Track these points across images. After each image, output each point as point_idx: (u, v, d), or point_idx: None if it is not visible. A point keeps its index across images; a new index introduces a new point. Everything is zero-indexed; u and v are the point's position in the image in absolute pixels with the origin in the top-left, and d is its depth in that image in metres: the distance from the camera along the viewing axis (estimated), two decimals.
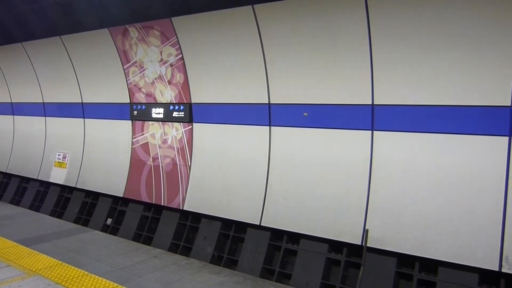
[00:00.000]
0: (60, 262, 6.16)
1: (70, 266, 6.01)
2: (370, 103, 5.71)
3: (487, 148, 4.95)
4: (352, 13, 5.50)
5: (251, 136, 6.96)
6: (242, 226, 7.12)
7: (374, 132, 5.75)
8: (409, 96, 5.42)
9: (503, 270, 4.72)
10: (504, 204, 4.81)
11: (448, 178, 5.18)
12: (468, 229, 4.99)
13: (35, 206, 10.75)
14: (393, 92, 5.53)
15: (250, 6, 6.26)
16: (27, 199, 11.16)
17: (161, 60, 7.87)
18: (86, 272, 5.77)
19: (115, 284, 5.41)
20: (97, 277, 5.63)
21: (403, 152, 5.54)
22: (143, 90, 8.42)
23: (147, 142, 8.53)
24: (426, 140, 5.35)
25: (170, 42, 7.56)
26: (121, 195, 8.84)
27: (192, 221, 7.82)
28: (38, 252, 6.55)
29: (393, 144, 5.61)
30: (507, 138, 4.82)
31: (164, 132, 8.22)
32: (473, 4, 4.74)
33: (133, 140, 8.80)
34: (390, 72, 5.48)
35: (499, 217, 4.82)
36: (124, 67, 8.56)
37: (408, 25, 5.20)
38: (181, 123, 7.90)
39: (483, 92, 4.91)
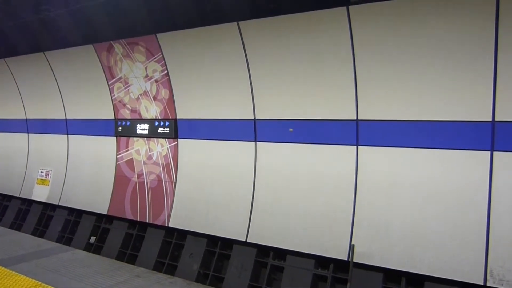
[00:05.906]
0: (40, 282, 5.96)
1: (49, 286, 5.82)
2: (355, 118, 5.75)
3: (470, 163, 5.01)
4: (335, 31, 5.57)
5: (237, 152, 6.93)
6: (228, 243, 7.02)
7: (359, 147, 5.78)
8: (392, 111, 5.48)
9: (488, 284, 4.74)
10: (487, 218, 4.85)
11: (433, 192, 5.22)
12: (453, 243, 5.01)
13: (16, 224, 10.47)
14: (376, 108, 5.59)
15: (235, 23, 6.32)
16: (8, 217, 10.85)
17: (146, 76, 7.84)
18: None
19: None
20: None
21: (388, 167, 5.57)
22: (128, 106, 8.35)
23: (132, 158, 8.42)
24: (410, 155, 5.40)
25: (155, 58, 7.55)
26: (105, 213, 8.66)
27: (177, 238, 7.69)
28: (16, 273, 6.35)
29: (377, 159, 5.65)
30: (488, 152, 4.90)
31: (149, 148, 8.14)
32: (454, 21, 4.85)
33: (118, 156, 8.68)
34: (374, 88, 5.55)
35: (483, 231, 4.85)
36: (109, 83, 8.50)
37: (391, 42, 5.29)
38: (167, 139, 7.84)
39: (465, 108, 4.99)
